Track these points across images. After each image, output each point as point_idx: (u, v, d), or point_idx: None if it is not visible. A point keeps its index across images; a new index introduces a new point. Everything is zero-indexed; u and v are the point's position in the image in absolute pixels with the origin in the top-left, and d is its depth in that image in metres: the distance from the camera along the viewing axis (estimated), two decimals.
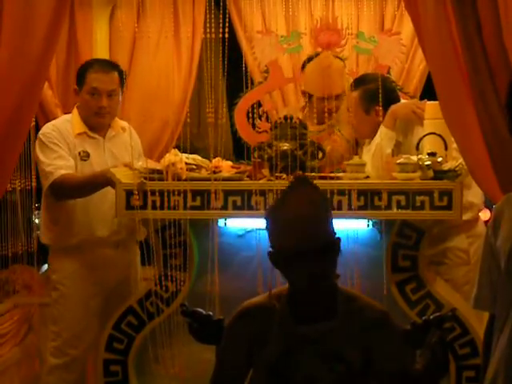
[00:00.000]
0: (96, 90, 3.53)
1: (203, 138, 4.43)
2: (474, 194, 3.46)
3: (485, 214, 4.23)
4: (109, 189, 3.32)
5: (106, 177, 3.27)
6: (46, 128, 3.58)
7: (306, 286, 2.21)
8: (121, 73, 3.63)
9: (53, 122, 3.66)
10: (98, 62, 3.67)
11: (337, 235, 2.24)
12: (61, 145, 3.51)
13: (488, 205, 3.76)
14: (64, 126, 3.58)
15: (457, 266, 3.53)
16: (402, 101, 3.68)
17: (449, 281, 3.45)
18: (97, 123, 3.60)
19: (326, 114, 3.74)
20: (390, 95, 3.54)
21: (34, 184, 3.94)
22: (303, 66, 3.98)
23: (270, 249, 2.25)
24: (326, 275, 2.21)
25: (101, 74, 3.55)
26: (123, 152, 3.62)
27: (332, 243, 2.20)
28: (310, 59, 3.95)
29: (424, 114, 3.40)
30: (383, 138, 3.44)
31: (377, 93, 3.22)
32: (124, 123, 3.75)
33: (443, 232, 3.47)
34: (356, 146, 3.88)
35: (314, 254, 2.15)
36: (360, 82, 3.58)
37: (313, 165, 3.16)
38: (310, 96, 3.92)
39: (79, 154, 3.55)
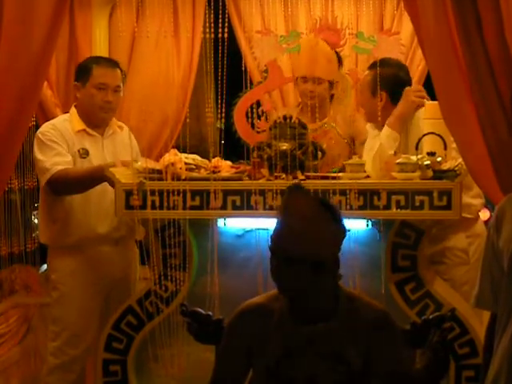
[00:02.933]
0: (104, 85, 3.57)
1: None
2: (474, 196, 3.46)
3: (484, 214, 4.23)
4: (108, 186, 3.33)
5: (101, 172, 3.28)
6: (45, 127, 3.59)
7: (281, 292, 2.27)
8: (122, 71, 3.68)
9: (51, 121, 3.67)
10: (103, 58, 3.74)
11: (331, 253, 2.24)
12: (59, 142, 3.52)
13: (488, 205, 3.76)
14: (62, 124, 3.59)
15: (456, 266, 3.53)
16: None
17: (448, 280, 3.45)
18: (99, 119, 3.61)
19: (309, 98, 3.74)
20: (402, 85, 3.53)
21: (33, 184, 3.95)
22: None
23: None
24: (293, 288, 2.22)
25: (109, 69, 3.61)
26: (121, 150, 3.64)
27: (310, 261, 2.20)
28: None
29: (422, 99, 3.40)
30: (387, 139, 3.43)
31: (388, 78, 3.20)
32: (121, 123, 3.77)
33: (442, 232, 3.46)
34: (352, 145, 3.89)
35: (284, 264, 2.19)
36: (379, 64, 3.53)
37: (312, 164, 3.16)
38: (297, 79, 3.94)
39: (78, 151, 3.57)
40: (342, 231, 2.27)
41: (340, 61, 3.95)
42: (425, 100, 3.45)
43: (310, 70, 3.86)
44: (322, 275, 2.20)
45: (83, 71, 3.62)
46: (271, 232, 2.26)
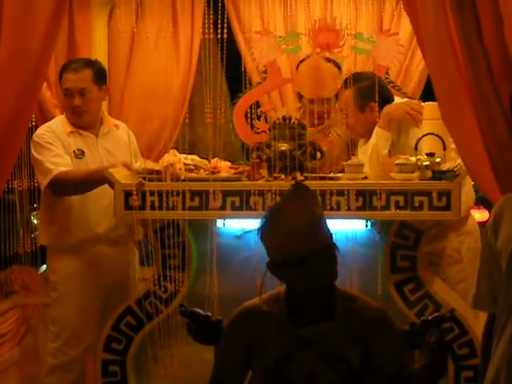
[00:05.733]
0: (68, 90, 3.58)
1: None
2: (464, 193, 3.45)
3: (483, 214, 4.23)
4: (106, 186, 3.33)
5: (102, 175, 3.29)
6: (40, 130, 3.61)
7: (307, 291, 2.24)
8: (98, 70, 3.64)
9: (46, 124, 3.68)
10: (71, 63, 3.69)
11: (333, 241, 2.25)
12: (56, 144, 3.54)
13: (487, 205, 3.76)
14: (57, 126, 3.61)
15: (449, 266, 3.53)
16: (397, 99, 3.68)
17: (443, 280, 3.45)
18: (77, 123, 3.61)
19: (316, 118, 3.75)
20: (383, 92, 3.54)
21: (33, 184, 3.95)
22: (297, 67, 3.99)
23: (269, 258, 2.27)
24: (327, 280, 2.23)
25: (71, 73, 3.58)
26: (117, 149, 3.64)
27: (330, 248, 2.21)
28: (302, 60, 3.97)
29: (418, 115, 3.41)
30: (379, 139, 3.44)
31: (370, 90, 3.22)
32: (118, 121, 3.77)
33: (433, 232, 3.45)
34: (353, 147, 3.89)
35: (314, 259, 2.17)
36: (353, 80, 3.57)
37: (311, 165, 3.16)
38: (302, 97, 3.95)
39: (74, 152, 3.58)
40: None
41: (339, 68, 3.97)
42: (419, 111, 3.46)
43: (317, 93, 3.87)
44: (331, 264, 2.23)
45: (59, 78, 3.64)
46: (270, 241, 2.26)
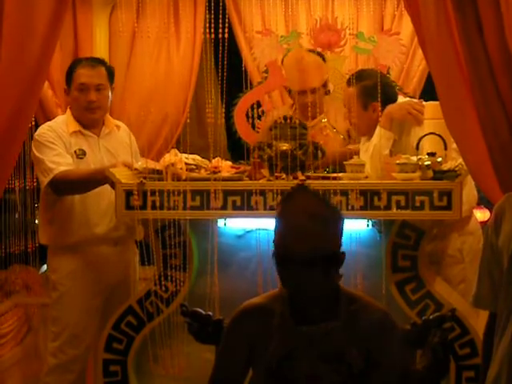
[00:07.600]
0: (84, 85, 3.56)
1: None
2: (466, 193, 3.45)
3: (484, 214, 4.22)
4: (106, 186, 3.34)
5: (103, 174, 3.29)
6: (41, 129, 3.60)
7: (289, 291, 2.24)
8: (109, 69, 3.66)
9: (47, 123, 3.68)
10: (84, 59, 3.71)
11: (338, 249, 2.24)
12: (57, 143, 3.53)
13: (487, 205, 3.76)
14: (59, 126, 3.60)
15: (450, 265, 3.53)
16: (400, 98, 3.67)
17: (444, 280, 3.45)
18: (88, 119, 3.61)
19: (307, 110, 3.76)
20: (387, 91, 3.53)
21: (34, 184, 3.95)
22: (282, 62, 3.99)
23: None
24: (307, 286, 2.21)
25: (88, 68, 3.58)
26: (118, 149, 3.65)
27: (321, 256, 2.19)
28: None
29: (420, 115, 3.41)
30: (381, 138, 3.43)
31: (374, 89, 3.22)
32: (119, 122, 3.77)
33: (435, 232, 3.45)
34: (348, 139, 3.89)
35: (297, 264, 2.16)
36: (357, 78, 3.56)
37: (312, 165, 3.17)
38: (290, 91, 3.96)
39: (75, 152, 3.57)
40: (342, 225, 2.27)
41: (323, 58, 3.97)
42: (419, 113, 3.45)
43: (304, 83, 3.86)
44: (334, 270, 2.22)
45: (68, 74, 3.63)
46: (274, 243, 2.25)
